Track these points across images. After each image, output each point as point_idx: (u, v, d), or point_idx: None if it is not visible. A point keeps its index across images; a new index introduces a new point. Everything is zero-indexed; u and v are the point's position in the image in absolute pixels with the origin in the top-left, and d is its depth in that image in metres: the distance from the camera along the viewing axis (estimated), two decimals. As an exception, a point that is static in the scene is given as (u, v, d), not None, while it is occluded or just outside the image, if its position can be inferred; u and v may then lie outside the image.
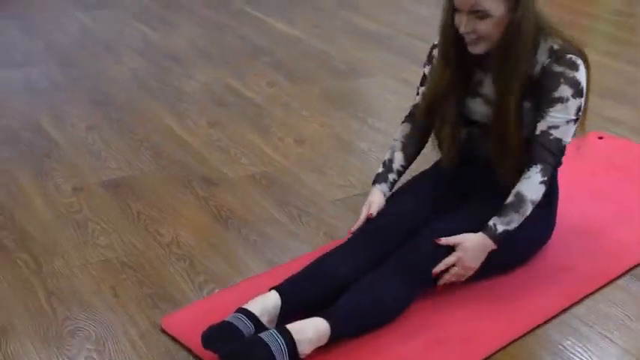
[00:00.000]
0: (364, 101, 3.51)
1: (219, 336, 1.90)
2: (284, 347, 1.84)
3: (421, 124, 2.33)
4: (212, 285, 2.26)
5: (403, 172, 2.35)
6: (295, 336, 1.87)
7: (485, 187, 2.23)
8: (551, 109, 2.09)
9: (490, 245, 2.09)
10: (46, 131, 3.18)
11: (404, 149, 2.34)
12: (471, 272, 2.13)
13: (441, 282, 2.12)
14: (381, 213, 2.22)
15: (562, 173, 2.31)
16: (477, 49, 2.08)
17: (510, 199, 2.11)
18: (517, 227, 2.11)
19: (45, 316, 2.12)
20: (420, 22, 4.52)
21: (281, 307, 1.99)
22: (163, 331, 2.06)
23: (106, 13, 4.68)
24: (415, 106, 2.36)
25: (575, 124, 2.12)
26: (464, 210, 2.22)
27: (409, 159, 2.35)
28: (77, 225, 2.54)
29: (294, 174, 2.86)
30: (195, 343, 1.96)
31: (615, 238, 2.44)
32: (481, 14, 2.01)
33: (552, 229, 2.36)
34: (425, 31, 4.20)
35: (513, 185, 2.13)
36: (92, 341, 2.03)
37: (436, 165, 2.39)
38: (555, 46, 2.11)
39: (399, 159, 2.33)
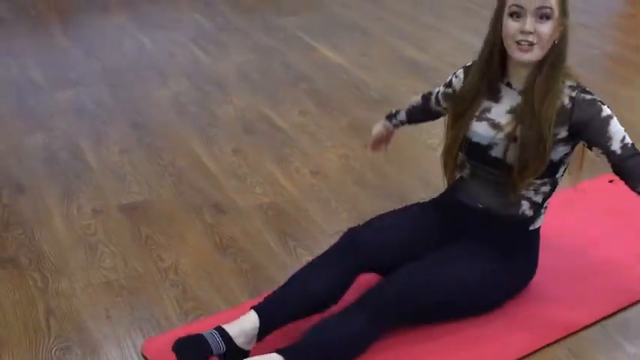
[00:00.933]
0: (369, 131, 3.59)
1: (187, 346, 2.04)
2: None
3: (430, 108, 2.58)
4: (198, 312, 2.40)
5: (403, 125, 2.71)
6: None
7: (474, 235, 2.30)
8: (609, 127, 2.12)
9: None
10: (82, 153, 3.40)
11: (408, 114, 2.68)
12: None
13: None
14: (362, 229, 2.34)
15: (561, 217, 2.35)
16: (528, 56, 2.12)
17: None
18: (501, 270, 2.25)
19: (40, 333, 2.31)
20: (467, 53, 4.56)
21: (259, 328, 2.12)
22: (143, 355, 2.22)
23: (164, 35, 4.91)
24: (429, 94, 2.58)
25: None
26: (440, 257, 2.29)
27: (410, 122, 2.69)
28: (89, 247, 2.73)
29: (301, 206, 2.98)
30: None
31: (595, 286, 2.46)
32: (547, 13, 2.08)
33: (533, 275, 2.41)
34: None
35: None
36: (76, 361, 2.20)
37: (442, 196, 2.47)
38: (569, 82, 2.18)
39: (402, 116, 2.68)
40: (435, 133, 3.28)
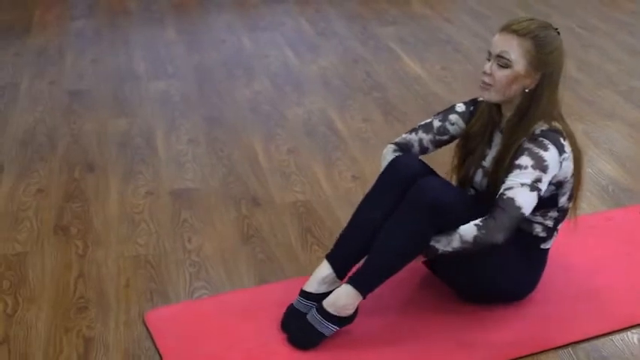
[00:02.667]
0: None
1: (288, 321, 2.43)
2: (317, 315, 2.34)
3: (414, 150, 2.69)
4: (204, 291, 2.67)
5: None
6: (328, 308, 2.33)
7: None
8: (510, 175, 2.31)
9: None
10: (154, 139, 3.74)
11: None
12: None
13: None
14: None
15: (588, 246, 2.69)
16: (486, 95, 2.38)
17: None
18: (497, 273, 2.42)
19: (67, 292, 2.65)
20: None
21: (335, 272, 2.43)
22: (145, 323, 2.51)
23: (265, 36, 5.22)
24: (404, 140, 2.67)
25: (531, 190, 2.28)
26: None
27: None
28: (132, 223, 3.05)
29: (332, 207, 3.19)
30: (160, 337, 2.38)
31: (582, 307, 2.54)
32: (504, 62, 2.30)
33: (532, 288, 2.56)
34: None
35: None
36: (89, 319, 2.52)
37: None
38: (537, 131, 2.34)
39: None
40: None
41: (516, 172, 2.30)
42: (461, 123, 2.58)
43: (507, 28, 2.31)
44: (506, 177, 2.32)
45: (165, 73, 4.57)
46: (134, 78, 4.49)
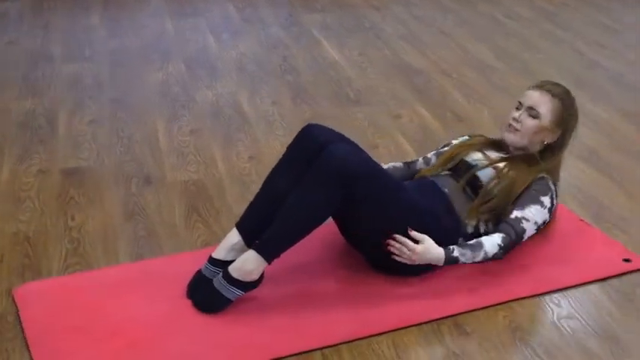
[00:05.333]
0: (331, 127, 3.72)
1: (194, 286, 2.46)
2: (223, 280, 2.38)
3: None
4: (78, 267, 2.66)
5: None
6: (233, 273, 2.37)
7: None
8: (532, 205, 2.61)
9: (440, 260, 2.47)
10: (56, 121, 3.73)
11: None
12: (408, 261, 2.47)
13: (392, 250, 2.46)
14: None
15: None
16: (511, 137, 2.73)
17: (472, 242, 2.52)
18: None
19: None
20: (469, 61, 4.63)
21: (244, 239, 2.47)
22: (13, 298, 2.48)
23: (190, 22, 5.22)
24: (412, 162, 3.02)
25: (535, 230, 2.65)
26: None
27: None
28: (18, 201, 3.03)
29: (223, 187, 3.18)
30: (26, 312, 2.37)
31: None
32: (534, 113, 2.69)
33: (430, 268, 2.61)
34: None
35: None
36: None
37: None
38: (540, 175, 2.70)
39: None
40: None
41: (538, 207, 2.63)
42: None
43: (542, 87, 2.72)
44: (526, 204, 2.61)
45: (80, 56, 4.54)
46: (48, 60, 4.46)
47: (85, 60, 4.49)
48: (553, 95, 2.70)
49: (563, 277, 2.66)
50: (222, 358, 2.23)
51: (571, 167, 3.32)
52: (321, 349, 2.29)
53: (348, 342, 2.31)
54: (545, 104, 2.69)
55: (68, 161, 3.35)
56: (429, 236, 2.50)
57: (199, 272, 2.48)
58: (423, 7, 5.69)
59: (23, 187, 3.13)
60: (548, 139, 2.72)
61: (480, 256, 2.51)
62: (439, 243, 2.51)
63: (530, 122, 2.70)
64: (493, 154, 2.77)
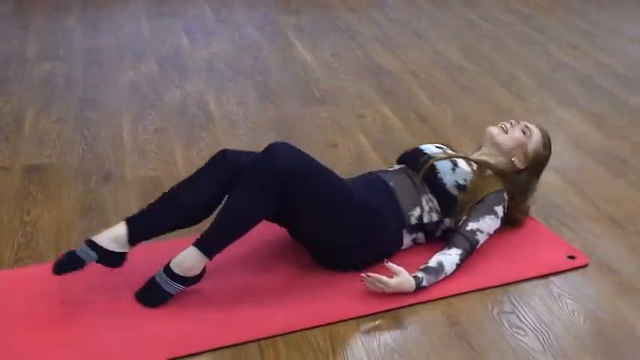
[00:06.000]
0: (294, 126, 3.77)
1: (62, 263, 2.40)
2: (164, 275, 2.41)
3: None
4: (29, 260, 2.70)
5: None
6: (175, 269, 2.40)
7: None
8: (486, 216, 2.69)
9: (410, 290, 2.51)
10: (23, 119, 3.78)
11: None
12: (382, 292, 2.51)
13: (365, 282, 2.50)
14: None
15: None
16: (495, 132, 2.85)
17: (433, 264, 2.58)
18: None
19: None
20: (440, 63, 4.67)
21: (128, 235, 2.44)
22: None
23: (165, 23, 5.27)
24: None
25: (486, 239, 2.73)
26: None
27: None
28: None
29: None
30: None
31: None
32: (528, 133, 2.84)
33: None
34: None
35: None
36: None
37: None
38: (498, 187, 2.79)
39: None
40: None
41: (493, 217, 2.71)
42: None
43: (537, 126, 2.89)
44: (481, 215, 2.68)
45: (54, 56, 4.60)
46: (21, 60, 4.52)
47: (58, 60, 4.54)
48: (541, 130, 2.89)
49: (507, 272, 2.71)
50: (158, 350, 2.27)
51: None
52: (257, 340, 2.33)
53: (284, 334, 2.36)
54: (536, 135, 2.86)
55: (31, 158, 3.40)
56: (373, 232, 2.55)
57: (73, 252, 2.42)
58: (399, 9, 5.74)
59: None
60: (517, 163, 2.83)
61: (440, 277, 2.59)
62: (384, 238, 2.55)
63: (520, 134, 2.84)
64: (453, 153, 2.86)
